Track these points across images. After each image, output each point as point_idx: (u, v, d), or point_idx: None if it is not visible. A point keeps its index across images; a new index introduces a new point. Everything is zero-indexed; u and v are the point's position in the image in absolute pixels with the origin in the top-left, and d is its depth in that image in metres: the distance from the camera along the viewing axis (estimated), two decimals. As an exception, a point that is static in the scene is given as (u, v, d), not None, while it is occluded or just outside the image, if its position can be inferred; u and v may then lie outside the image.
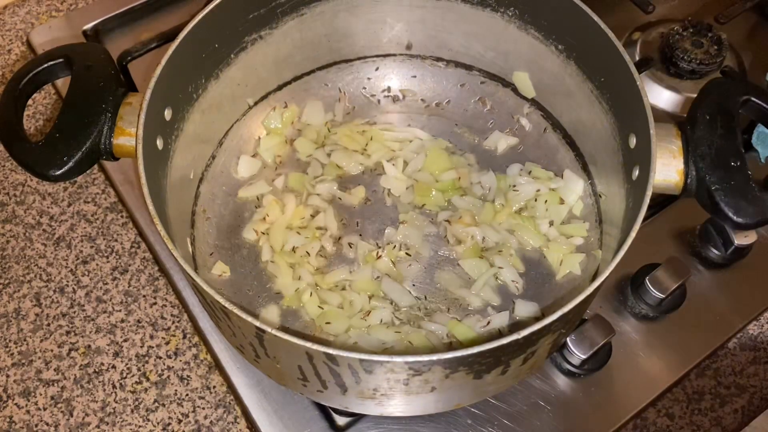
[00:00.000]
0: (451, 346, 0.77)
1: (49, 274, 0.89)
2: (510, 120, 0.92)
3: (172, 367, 0.83)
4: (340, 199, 0.87)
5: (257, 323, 0.58)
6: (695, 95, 0.70)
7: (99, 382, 0.82)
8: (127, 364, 0.83)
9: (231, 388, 0.81)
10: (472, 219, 0.85)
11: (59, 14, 1.12)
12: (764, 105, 0.69)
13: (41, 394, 0.82)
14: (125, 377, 0.83)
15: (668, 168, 0.67)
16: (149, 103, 0.69)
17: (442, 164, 0.88)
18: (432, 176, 0.88)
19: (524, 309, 0.80)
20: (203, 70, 0.80)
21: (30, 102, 1.01)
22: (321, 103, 0.92)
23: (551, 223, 0.84)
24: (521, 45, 0.85)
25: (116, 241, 0.91)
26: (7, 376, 0.83)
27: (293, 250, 0.83)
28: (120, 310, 0.87)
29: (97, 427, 0.80)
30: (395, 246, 0.83)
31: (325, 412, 0.78)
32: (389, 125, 0.93)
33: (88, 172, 0.87)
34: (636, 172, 0.71)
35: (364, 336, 0.77)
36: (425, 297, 0.81)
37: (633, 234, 0.62)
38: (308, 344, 0.56)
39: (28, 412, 0.81)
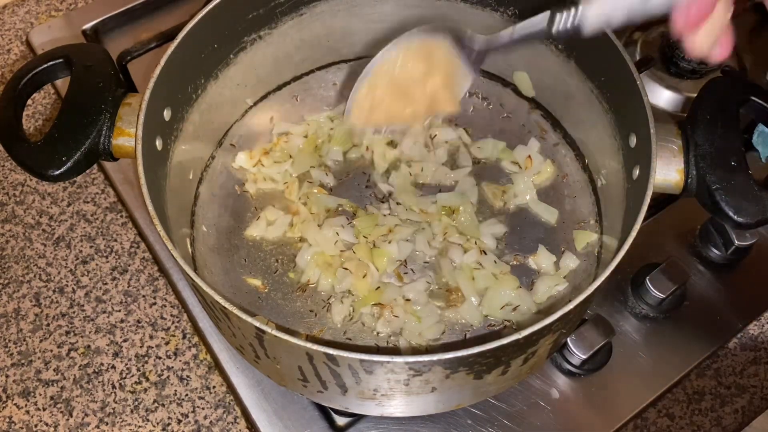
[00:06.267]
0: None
1: (49, 274, 0.89)
2: (509, 120, 0.92)
3: (172, 367, 0.83)
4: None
5: (257, 324, 0.58)
6: (695, 95, 0.70)
7: (98, 382, 0.82)
8: (126, 364, 0.83)
9: (231, 389, 0.81)
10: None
11: (59, 14, 1.12)
12: (764, 104, 0.69)
13: (41, 394, 0.81)
14: (125, 377, 0.82)
15: (668, 167, 0.67)
16: (148, 104, 0.69)
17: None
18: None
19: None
20: (203, 70, 0.80)
21: (30, 102, 1.01)
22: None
23: None
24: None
25: (116, 241, 0.91)
26: (7, 376, 0.82)
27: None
28: (120, 310, 0.87)
29: (97, 427, 0.80)
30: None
31: (325, 412, 0.78)
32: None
33: (87, 172, 0.86)
34: (636, 172, 0.71)
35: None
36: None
37: (633, 234, 0.62)
38: (308, 344, 0.56)
39: (27, 412, 0.81)
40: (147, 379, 0.82)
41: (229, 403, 0.81)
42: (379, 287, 0.80)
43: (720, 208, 0.65)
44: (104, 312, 0.87)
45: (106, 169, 0.95)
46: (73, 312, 0.86)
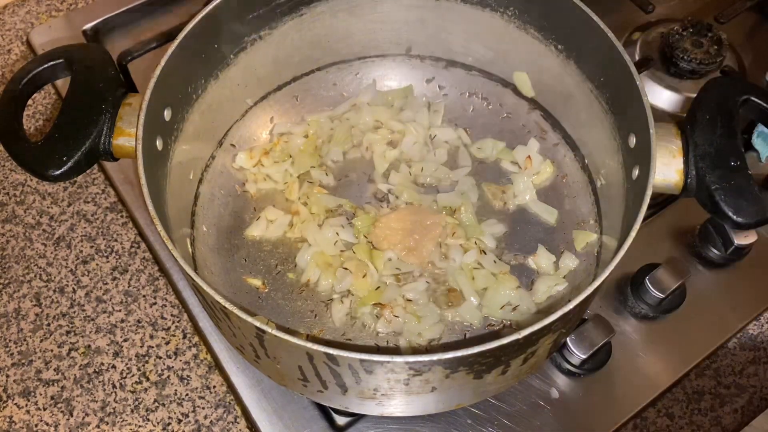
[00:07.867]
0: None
1: (49, 274, 0.89)
2: (509, 120, 0.92)
3: (172, 367, 0.83)
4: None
5: (257, 324, 0.58)
6: (695, 95, 0.70)
7: (99, 382, 0.82)
8: (127, 364, 0.83)
9: (231, 388, 0.81)
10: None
11: (59, 14, 1.12)
12: (764, 104, 0.69)
13: (41, 394, 0.82)
14: (125, 377, 0.83)
15: (668, 167, 0.67)
16: (149, 104, 0.69)
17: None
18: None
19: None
20: (203, 70, 0.80)
21: (30, 102, 1.01)
22: None
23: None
24: (521, 45, 0.85)
25: (116, 241, 0.91)
26: (7, 376, 0.83)
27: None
28: (120, 310, 0.87)
29: (97, 427, 0.80)
30: None
31: (325, 412, 0.78)
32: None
33: (88, 172, 0.87)
34: (636, 172, 0.71)
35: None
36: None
37: (633, 234, 0.62)
38: (309, 344, 0.56)
39: (28, 412, 0.81)
40: (147, 379, 0.82)
41: (230, 403, 0.81)
42: (379, 287, 0.80)
43: (719, 209, 0.65)
44: (104, 312, 0.87)
45: (106, 169, 0.95)
46: (74, 312, 0.87)
